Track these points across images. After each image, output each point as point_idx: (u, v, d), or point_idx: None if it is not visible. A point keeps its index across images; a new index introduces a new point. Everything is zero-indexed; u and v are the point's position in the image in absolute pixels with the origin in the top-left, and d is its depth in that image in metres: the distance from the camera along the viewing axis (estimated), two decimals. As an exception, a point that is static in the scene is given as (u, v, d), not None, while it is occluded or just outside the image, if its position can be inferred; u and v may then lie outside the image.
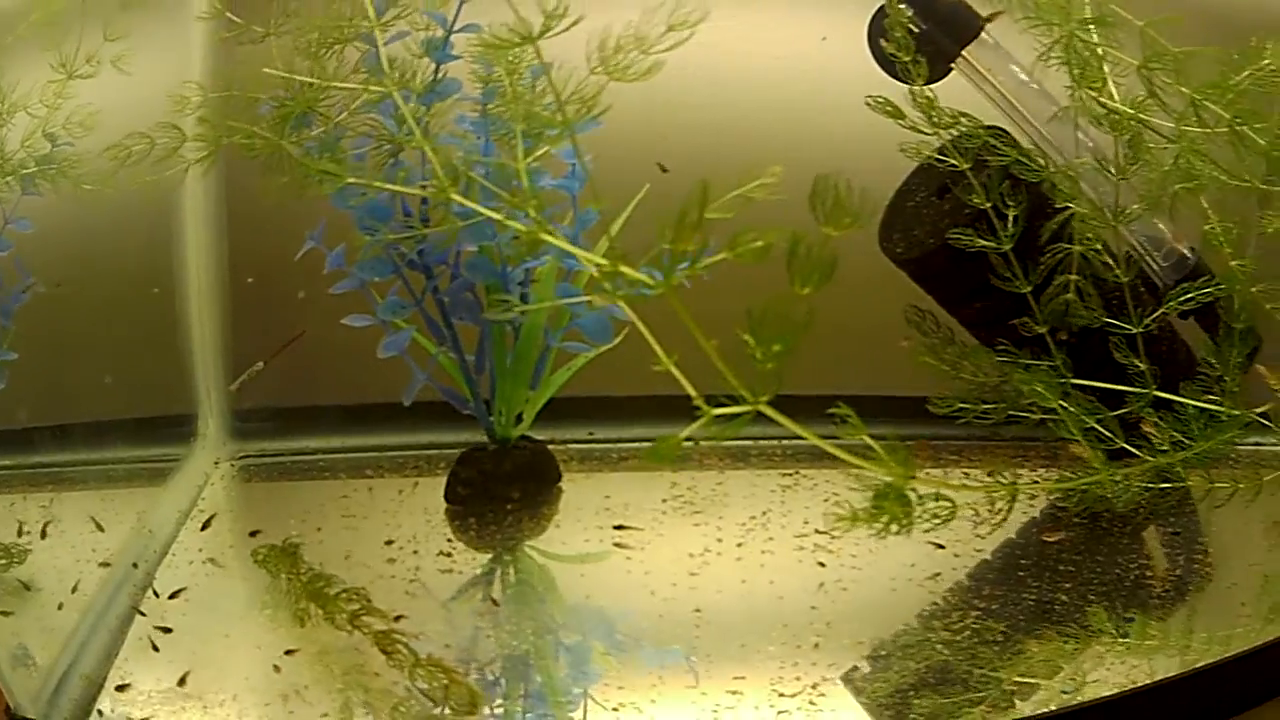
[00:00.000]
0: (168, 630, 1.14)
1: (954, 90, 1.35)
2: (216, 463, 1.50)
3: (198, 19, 1.38)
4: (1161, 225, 1.37)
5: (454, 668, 1.05)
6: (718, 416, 0.97)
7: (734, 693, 1.03)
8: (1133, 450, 1.25)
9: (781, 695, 1.02)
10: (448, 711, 1.01)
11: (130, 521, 1.33)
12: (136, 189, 1.28)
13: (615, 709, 1.02)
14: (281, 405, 1.51)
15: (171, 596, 1.19)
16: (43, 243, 1.30)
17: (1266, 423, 1.30)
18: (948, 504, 1.09)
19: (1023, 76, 1.33)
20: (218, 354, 1.52)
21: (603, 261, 0.99)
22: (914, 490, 1.05)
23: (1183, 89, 1.16)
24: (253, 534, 1.32)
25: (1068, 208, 1.24)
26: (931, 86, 1.29)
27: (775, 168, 1.01)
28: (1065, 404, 1.21)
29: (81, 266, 1.35)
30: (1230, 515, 1.35)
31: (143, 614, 1.15)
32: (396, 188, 1.15)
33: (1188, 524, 1.35)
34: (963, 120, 1.22)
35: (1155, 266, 1.38)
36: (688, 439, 0.96)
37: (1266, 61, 1.23)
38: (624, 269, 1.00)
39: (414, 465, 1.48)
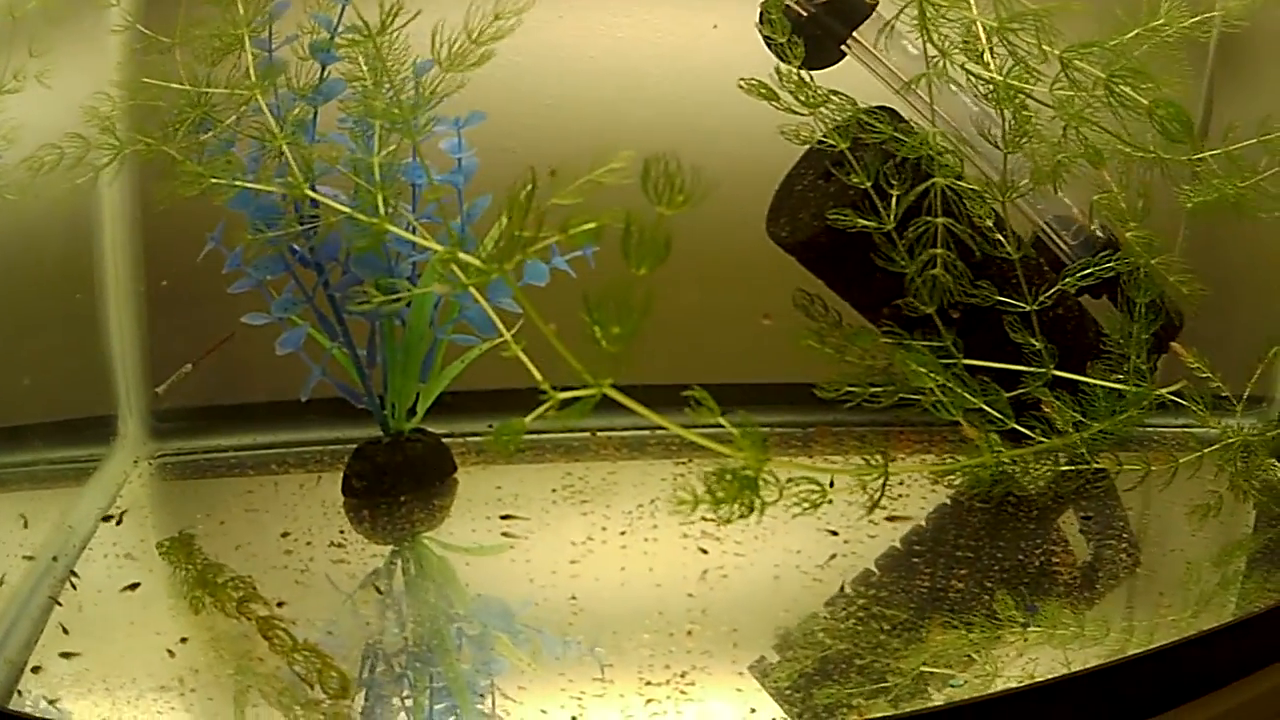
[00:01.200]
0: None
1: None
2: (136, 462, 1.53)
3: (112, 32, 1.40)
4: (1068, 203, 1.35)
5: (327, 653, 1.07)
6: (563, 401, 0.98)
7: (601, 680, 1.03)
8: (1025, 431, 1.23)
9: (649, 684, 1.02)
10: (320, 694, 1.03)
11: (54, 518, 1.36)
12: (55, 197, 1.33)
13: (480, 696, 1.03)
14: (198, 405, 1.54)
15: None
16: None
17: (1181, 400, 1.27)
18: (816, 488, 1.08)
19: (913, 52, 1.30)
20: (137, 356, 1.56)
21: (439, 248, 1.00)
22: (772, 474, 1.04)
23: (1046, 48, 1.13)
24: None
25: (937, 182, 1.22)
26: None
27: (624, 152, 1.02)
28: (948, 384, 1.19)
29: (3, 272, 1.39)
30: (1151, 499, 1.31)
31: (60, 604, 1.18)
32: (255, 185, 1.17)
33: (1102, 509, 1.32)
34: (834, 99, 1.21)
35: (1064, 246, 1.35)
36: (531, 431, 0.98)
37: (1160, 21, 1.20)
38: (462, 255, 1.02)
39: (318, 460, 1.50)
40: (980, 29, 1.19)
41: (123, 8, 1.40)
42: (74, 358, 1.52)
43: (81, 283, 1.51)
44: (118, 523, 1.35)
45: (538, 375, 1.00)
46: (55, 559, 1.27)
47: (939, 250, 1.17)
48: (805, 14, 1.30)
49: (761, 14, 1.29)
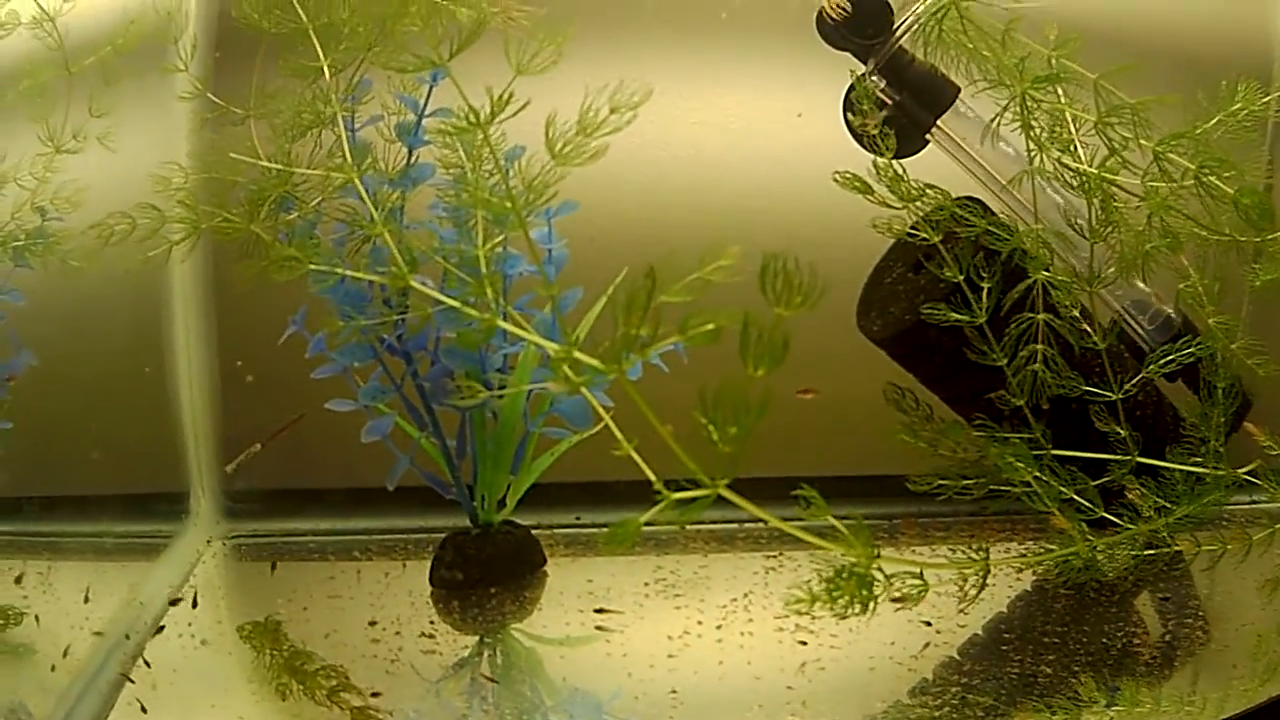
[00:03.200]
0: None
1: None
2: (209, 541, 1.52)
3: (180, 99, 1.38)
4: (1145, 288, 1.36)
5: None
6: (677, 501, 0.98)
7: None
8: (1113, 520, 1.24)
9: (753, 777, 1.02)
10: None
11: (122, 594, 1.35)
12: (127, 267, 1.30)
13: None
14: (273, 487, 1.54)
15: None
16: (33, 317, 1.32)
17: (1255, 480, 1.28)
18: (919, 583, 1.09)
19: (1003, 146, 1.31)
20: (210, 434, 1.55)
21: (555, 347, 1.00)
22: (880, 570, 1.05)
23: (1144, 142, 1.14)
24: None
25: (1037, 277, 1.23)
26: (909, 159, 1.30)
27: (733, 248, 1.01)
28: (1040, 475, 1.19)
29: (74, 342, 1.37)
30: (1223, 576, 1.33)
31: (132, 681, 1.17)
32: (356, 273, 1.16)
33: (1178, 588, 1.34)
34: (930, 192, 1.21)
35: (1140, 331, 1.36)
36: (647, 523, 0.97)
37: (1238, 106, 1.22)
38: (577, 354, 1.01)
39: (402, 548, 1.50)
40: (1069, 119, 1.20)
41: (192, 73, 1.36)
42: (143, 431, 1.50)
43: (151, 356, 1.50)
44: (193, 605, 1.34)
45: (652, 475, 0.99)
46: (127, 636, 1.25)
47: (1040, 346, 1.18)
48: (890, 102, 1.31)
49: (849, 102, 1.30)
